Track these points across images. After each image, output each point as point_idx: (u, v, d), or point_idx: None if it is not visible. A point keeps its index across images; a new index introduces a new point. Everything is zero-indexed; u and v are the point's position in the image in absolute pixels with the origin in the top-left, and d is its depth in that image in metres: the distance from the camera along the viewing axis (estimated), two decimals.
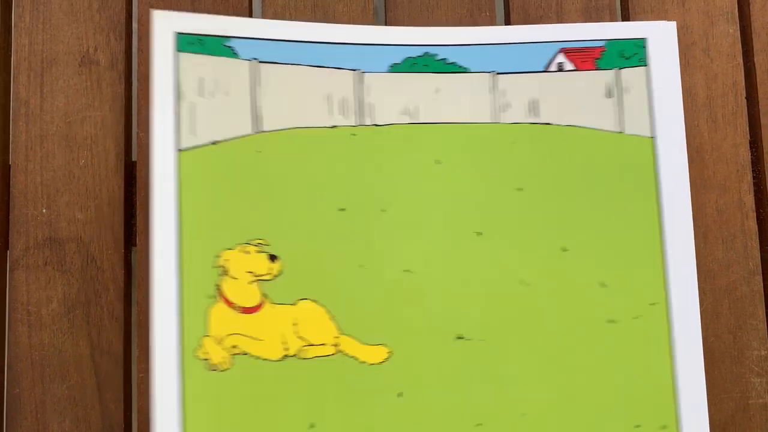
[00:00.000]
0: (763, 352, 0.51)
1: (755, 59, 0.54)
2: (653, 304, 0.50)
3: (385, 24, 0.54)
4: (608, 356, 0.49)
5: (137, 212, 0.51)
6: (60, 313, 0.50)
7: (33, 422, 0.49)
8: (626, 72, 0.52)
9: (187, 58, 0.48)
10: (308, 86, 0.50)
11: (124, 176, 0.52)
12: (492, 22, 0.54)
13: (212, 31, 0.48)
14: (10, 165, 0.52)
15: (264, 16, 0.53)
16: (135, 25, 0.54)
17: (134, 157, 0.53)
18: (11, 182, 0.51)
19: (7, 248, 0.51)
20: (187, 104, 0.48)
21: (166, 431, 0.44)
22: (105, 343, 0.50)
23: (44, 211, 0.51)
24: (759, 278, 0.52)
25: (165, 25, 0.48)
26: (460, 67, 0.51)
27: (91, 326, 0.50)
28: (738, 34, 0.54)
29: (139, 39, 0.53)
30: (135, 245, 0.51)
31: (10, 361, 0.50)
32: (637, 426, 0.48)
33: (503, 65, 0.51)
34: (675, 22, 0.53)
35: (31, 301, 0.50)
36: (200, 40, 0.48)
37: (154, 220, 0.46)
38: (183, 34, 0.48)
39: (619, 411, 0.49)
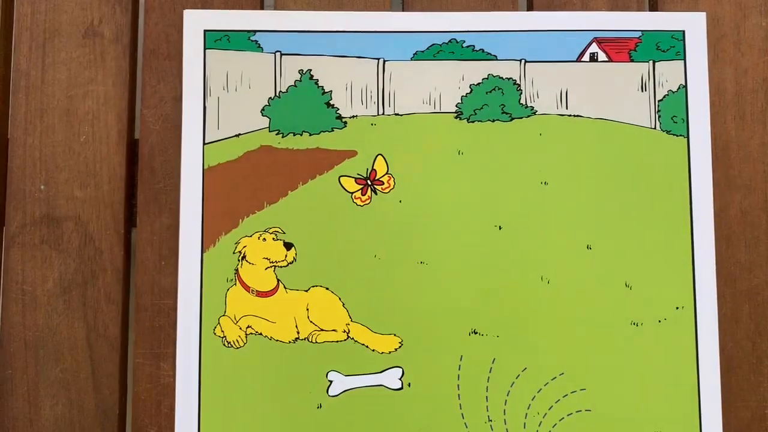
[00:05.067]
0: None
1: None
2: (679, 307, 0.48)
3: (402, 10, 0.52)
4: (630, 360, 0.48)
5: (138, 192, 0.49)
6: (55, 293, 0.49)
7: (24, 405, 0.48)
8: (662, 65, 0.50)
9: (214, 54, 0.49)
10: (330, 76, 0.49)
11: (126, 154, 0.50)
12: (514, 8, 0.52)
13: (239, 26, 0.49)
14: (8, 138, 0.50)
15: (277, 7, 0.51)
16: None
17: (137, 135, 0.51)
18: (9, 156, 0.50)
19: (3, 225, 0.50)
20: (213, 100, 0.49)
21: (184, 398, 0.47)
22: (101, 326, 0.49)
23: (42, 187, 0.49)
24: None
25: (195, 24, 0.49)
26: (488, 54, 0.50)
27: (87, 308, 0.49)
28: None
29: (146, 12, 0.51)
30: (135, 226, 0.50)
31: (3, 341, 0.48)
32: None
33: (533, 53, 0.50)
34: (705, 13, 0.51)
35: (26, 280, 0.49)
36: (227, 35, 0.49)
37: (182, 210, 0.48)
38: (211, 31, 0.49)
39: (639, 417, 0.47)
